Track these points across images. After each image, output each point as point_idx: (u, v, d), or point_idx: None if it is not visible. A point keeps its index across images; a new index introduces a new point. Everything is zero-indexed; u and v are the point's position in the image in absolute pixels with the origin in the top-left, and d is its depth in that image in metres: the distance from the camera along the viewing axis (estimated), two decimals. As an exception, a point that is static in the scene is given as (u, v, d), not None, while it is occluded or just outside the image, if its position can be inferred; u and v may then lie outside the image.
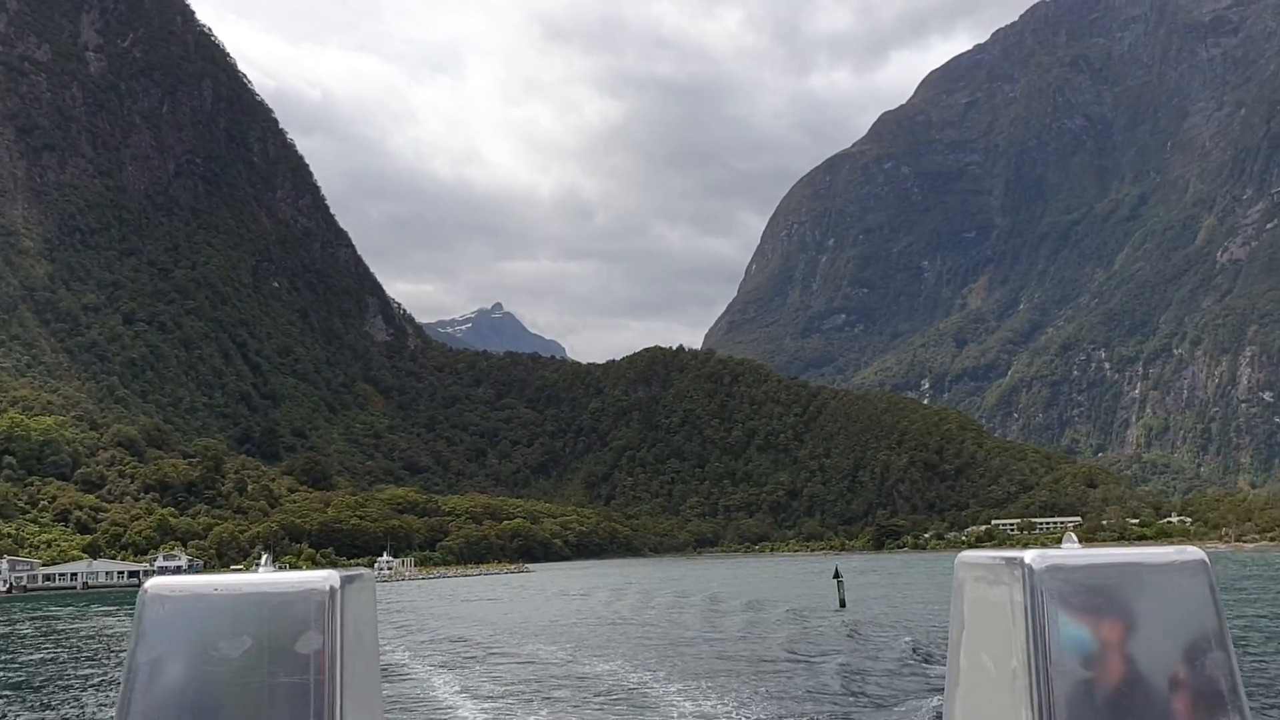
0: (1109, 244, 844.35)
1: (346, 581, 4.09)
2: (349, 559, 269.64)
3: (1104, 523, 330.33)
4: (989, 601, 4.28)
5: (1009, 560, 4.13)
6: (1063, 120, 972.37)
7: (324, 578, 4.05)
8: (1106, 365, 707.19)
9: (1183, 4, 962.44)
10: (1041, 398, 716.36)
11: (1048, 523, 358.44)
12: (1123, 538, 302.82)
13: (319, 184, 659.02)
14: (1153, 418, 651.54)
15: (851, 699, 36.95)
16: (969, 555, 4.58)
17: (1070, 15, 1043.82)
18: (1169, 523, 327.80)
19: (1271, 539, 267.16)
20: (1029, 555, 4.04)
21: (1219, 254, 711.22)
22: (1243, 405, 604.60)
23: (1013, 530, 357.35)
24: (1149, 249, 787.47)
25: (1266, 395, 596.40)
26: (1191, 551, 4.16)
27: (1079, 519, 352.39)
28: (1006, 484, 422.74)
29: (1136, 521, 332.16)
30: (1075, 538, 4.40)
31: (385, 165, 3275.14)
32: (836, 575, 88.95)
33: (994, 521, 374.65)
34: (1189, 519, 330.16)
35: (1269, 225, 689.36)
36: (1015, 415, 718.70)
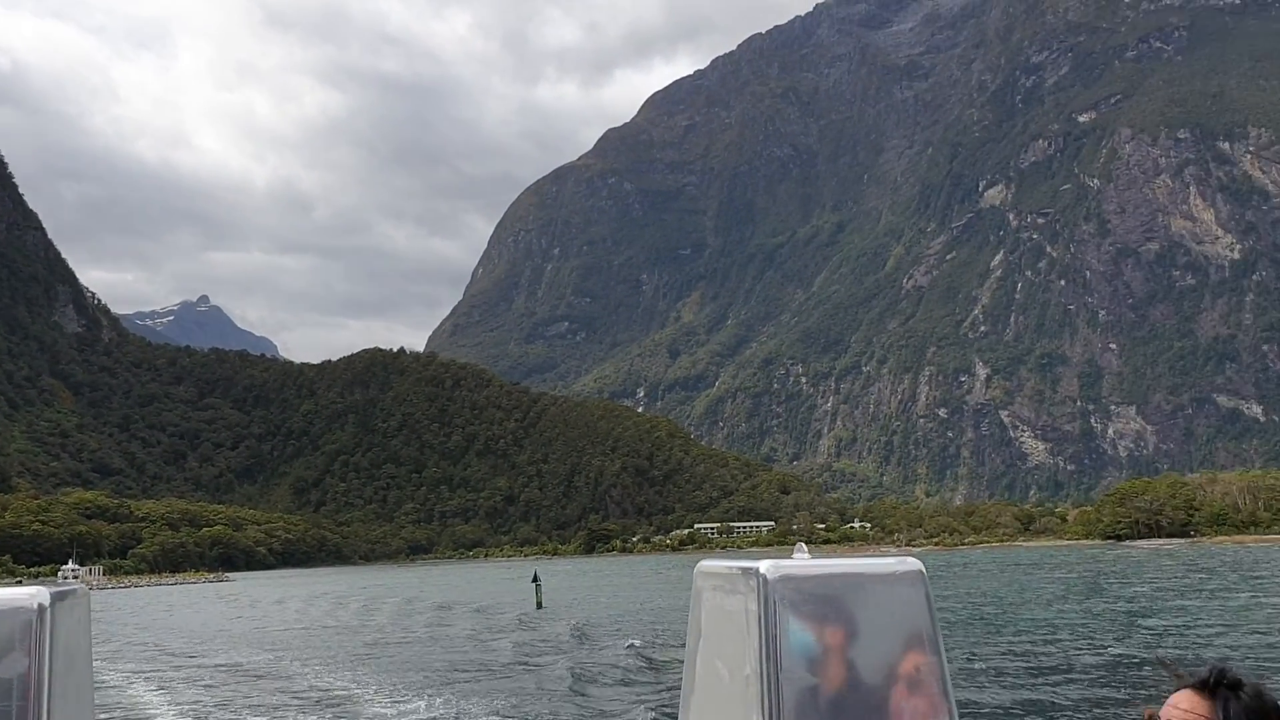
0: (809, 267, 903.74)
1: (57, 599, 3.80)
2: (28, 567, 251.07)
3: (794, 527, 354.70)
4: (725, 610, 4.30)
5: (745, 570, 4.17)
6: (772, 148, 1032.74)
7: (31, 595, 3.75)
8: (803, 380, 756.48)
9: (882, 47, 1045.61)
10: (744, 408, 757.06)
11: (744, 526, 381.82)
12: (810, 541, 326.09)
13: (6, 160, 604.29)
14: (842, 429, 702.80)
15: (555, 703, 37.06)
16: (707, 565, 4.57)
17: (783, 49, 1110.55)
18: (851, 528, 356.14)
19: (936, 543, 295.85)
20: (764, 565, 4.08)
21: (905, 281, 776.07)
22: (921, 420, 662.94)
23: (712, 534, 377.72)
24: (844, 273, 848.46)
25: (941, 412, 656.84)
26: (910, 563, 4.35)
27: (773, 523, 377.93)
28: (709, 489, 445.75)
29: (823, 526, 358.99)
30: (805, 548, 4.49)
31: (82, 144, 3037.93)
32: (535, 579, 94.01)
33: (696, 525, 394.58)
34: (869, 524, 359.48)
35: (948, 256, 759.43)
36: (721, 424, 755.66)
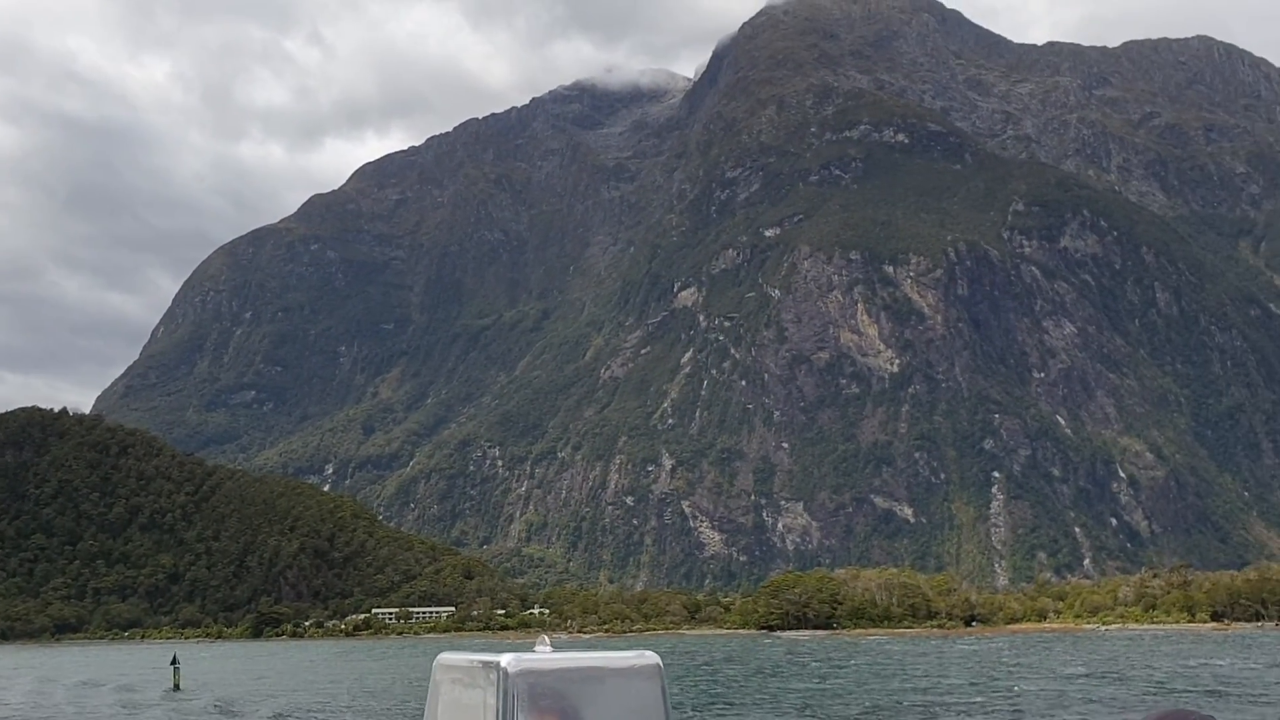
0: (513, 351, 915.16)
1: None
2: None
3: (474, 613, 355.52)
4: (463, 704, 4.43)
5: (485, 664, 4.34)
6: (483, 231, 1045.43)
7: None
8: (499, 463, 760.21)
9: (593, 148, 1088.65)
10: (438, 490, 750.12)
11: (424, 612, 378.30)
12: (488, 628, 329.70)
13: None
14: (534, 514, 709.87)
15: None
16: (447, 657, 4.75)
17: (498, 137, 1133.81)
18: (530, 614, 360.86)
19: (607, 630, 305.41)
20: (505, 659, 4.22)
21: (602, 371, 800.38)
22: (609, 507, 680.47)
23: (390, 619, 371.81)
24: (546, 359, 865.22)
25: (629, 499, 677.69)
26: (649, 656, 4.63)
27: (454, 609, 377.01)
28: (391, 573, 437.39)
29: (503, 612, 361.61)
30: (548, 640, 4.65)
31: None
32: (174, 661, 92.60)
33: (374, 610, 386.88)
34: (548, 611, 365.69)
35: (643, 350, 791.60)
36: (413, 505, 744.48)
